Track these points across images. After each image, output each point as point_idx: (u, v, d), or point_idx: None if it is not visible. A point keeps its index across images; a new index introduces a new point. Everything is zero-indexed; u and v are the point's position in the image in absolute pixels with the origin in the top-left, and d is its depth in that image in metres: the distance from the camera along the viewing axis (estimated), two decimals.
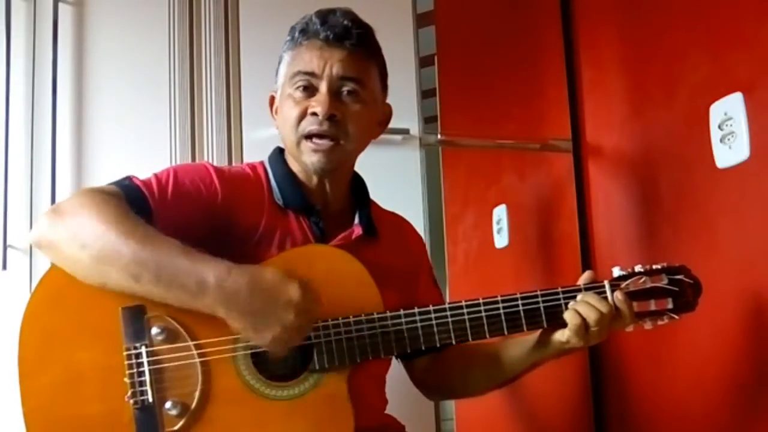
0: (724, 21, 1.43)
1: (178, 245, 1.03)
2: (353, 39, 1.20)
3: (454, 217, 2.27)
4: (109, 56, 1.68)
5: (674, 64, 1.56)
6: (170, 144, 1.70)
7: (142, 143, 1.68)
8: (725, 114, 1.40)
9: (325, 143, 1.19)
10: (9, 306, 1.51)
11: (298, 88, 1.20)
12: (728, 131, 1.39)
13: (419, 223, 1.76)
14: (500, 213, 2.12)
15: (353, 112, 1.20)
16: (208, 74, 1.74)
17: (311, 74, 1.19)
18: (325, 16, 1.21)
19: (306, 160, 1.21)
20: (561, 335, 1.15)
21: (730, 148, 1.39)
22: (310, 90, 1.19)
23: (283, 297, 1.02)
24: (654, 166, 1.64)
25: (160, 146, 1.69)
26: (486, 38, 2.24)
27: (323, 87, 1.19)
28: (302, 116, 1.19)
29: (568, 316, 1.13)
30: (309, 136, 1.19)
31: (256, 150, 1.70)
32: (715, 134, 1.42)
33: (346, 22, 1.20)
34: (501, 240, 2.10)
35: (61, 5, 1.65)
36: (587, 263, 1.83)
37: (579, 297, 1.14)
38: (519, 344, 1.24)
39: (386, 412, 1.30)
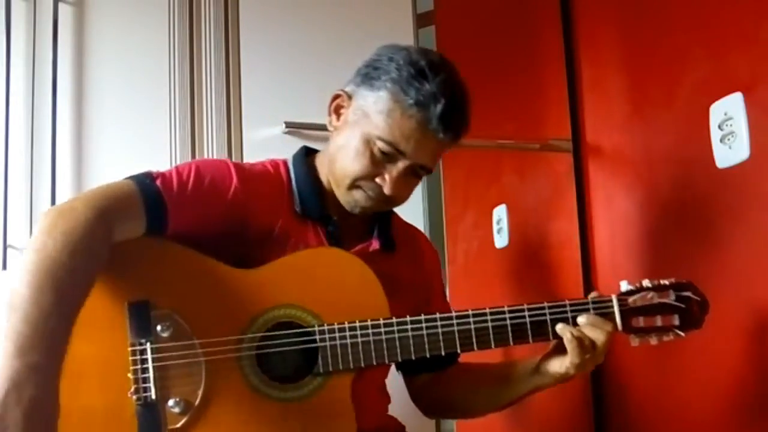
0: (724, 21, 1.43)
1: (50, 326, 0.91)
2: (457, 136, 1.18)
3: (454, 217, 2.27)
4: (109, 56, 1.68)
5: (674, 64, 1.56)
6: (170, 144, 1.70)
7: (142, 143, 1.67)
8: (725, 114, 1.40)
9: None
10: None
11: (380, 147, 1.15)
12: (728, 131, 1.39)
13: (419, 224, 1.76)
14: (500, 213, 2.12)
15: (411, 188, 1.22)
16: (208, 74, 1.74)
17: (401, 153, 1.15)
18: (452, 109, 1.13)
19: (348, 198, 1.20)
20: (559, 366, 1.15)
21: (730, 148, 1.39)
22: (388, 155, 1.15)
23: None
24: (654, 166, 1.64)
25: (160, 146, 1.68)
26: (486, 38, 2.24)
27: (401, 165, 1.16)
28: (368, 175, 1.16)
29: (569, 347, 1.12)
30: (363, 189, 1.18)
31: (256, 150, 1.71)
32: (715, 134, 1.42)
33: (463, 123, 1.18)
34: (501, 240, 2.11)
35: (61, 5, 1.64)
36: (587, 263, 1.84)
37: (567, 337, 1.12)
38: (520, 368, 1.24)
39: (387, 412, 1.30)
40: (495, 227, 2.13)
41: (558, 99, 1.92)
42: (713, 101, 1.43)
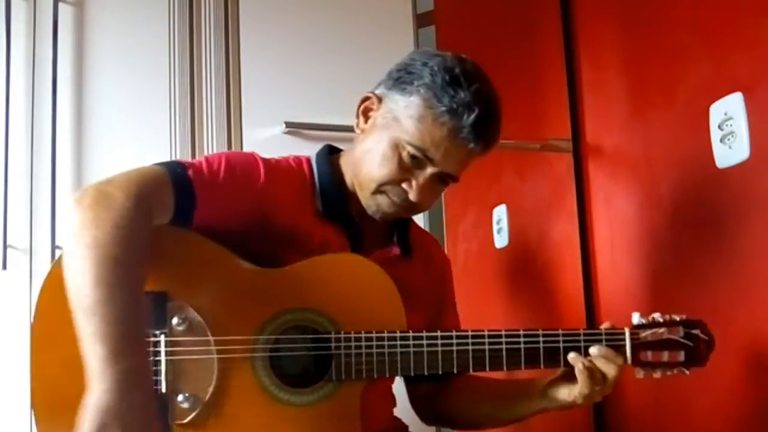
0: (724, 21, 1.43)
1: (135, 326, 0.94)
2: (487, 147, 1.17)
3: (454, 217, 2.27)
4: (109, 56, 1.68)
5: (674, 64, 1.56)
6: (170, 144, 1.70)
7: (142, 143, 1.67)
8: (725, 114, 1.40)
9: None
10: (9, 306, 1.51)
11: (409, 152, 1.13)
12: (728, 131, 1.39)
13: (419, 223, 1.76)
14: (500, 213, 2.12)
15: (436, 196, 1.21)
16: (208, 74, 1.74)
17: (430, 159, 1.13)
18: (484, 120, 1.12)
19: (371, 203, 1.18)
20: (567, 394, 1.15)
21: (730, 148, 1.39)
22: (417, 161, 1.14)
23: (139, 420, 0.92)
24: (654, 166, 1.64)
25: (161, 146, 1.68)
26: (486, 38, 2.24)
27: (429, 172, 1.14)
28: (394, 180, 1.15)
29: (580, 378, 1.12)
30: (387, 194, 1.17)
31: (256, 150, 1.70)
32: (715, 134, 1.42)
33: (494, 134, 1.16)
34: (501, 240, 2.11)
35: (61, 5, 1.65)
36: (587, 263, 1.84)
37: (578, 367, 1.12)
38: (526, 389, 1.23)
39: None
40: (495, 227, 2.13)
41: (558, 99, 1.92)
42: (713, 101, 1.43)
